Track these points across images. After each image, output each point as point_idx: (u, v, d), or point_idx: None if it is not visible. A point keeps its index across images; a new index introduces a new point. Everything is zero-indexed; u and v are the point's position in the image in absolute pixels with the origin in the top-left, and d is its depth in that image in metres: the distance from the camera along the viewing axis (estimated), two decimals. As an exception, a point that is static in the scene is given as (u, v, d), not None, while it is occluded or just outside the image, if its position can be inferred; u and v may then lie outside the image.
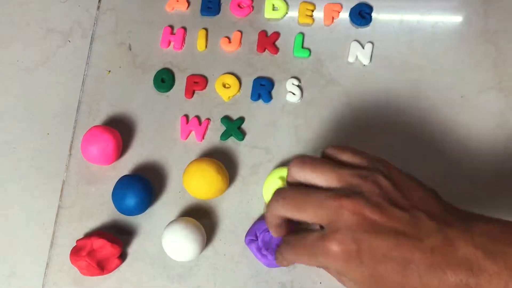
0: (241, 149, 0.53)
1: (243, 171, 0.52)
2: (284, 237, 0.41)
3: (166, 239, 0.47)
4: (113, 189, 0.50)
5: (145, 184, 0.49)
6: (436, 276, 0.33)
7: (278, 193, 0.39)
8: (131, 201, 0.48)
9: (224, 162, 0.51)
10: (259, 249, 0.47)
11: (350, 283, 0.37)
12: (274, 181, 0.48)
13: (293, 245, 0.39)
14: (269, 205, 0.39)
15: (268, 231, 0.47)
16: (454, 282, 0.33)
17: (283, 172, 0.49)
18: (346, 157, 0.39)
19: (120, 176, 0.50)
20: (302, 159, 0.39)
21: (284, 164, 0.52)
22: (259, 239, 0.47)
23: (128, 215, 0.50)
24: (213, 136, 0.53)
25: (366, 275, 0.35)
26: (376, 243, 0.34)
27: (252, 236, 0.48)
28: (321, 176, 0.38)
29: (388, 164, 0.38)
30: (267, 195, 0.49)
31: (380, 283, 0.35)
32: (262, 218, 0.49)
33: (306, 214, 0.37)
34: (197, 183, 0.49)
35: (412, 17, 0.56)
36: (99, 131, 0.51)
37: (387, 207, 0.35)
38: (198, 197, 0.51)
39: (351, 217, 0.35)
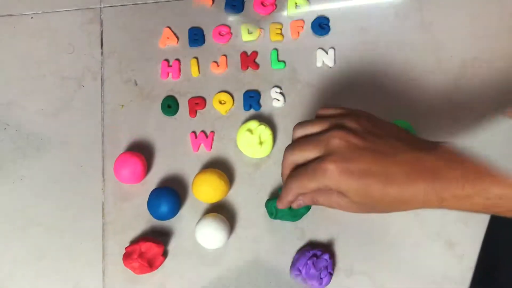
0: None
1: (248, 168, 0.64)
2: (288, 176, 0.51)
3: (199, 232, 0.58)
4: (148, 200, 0.61)
5: (173, 193, 0.61)
6: (411, 185, 0.43)
7: (288, 147, 0.50)
8: (164, 208, 0.60)
9: (233, 164, 0.63)
10: (305, 281, 0.57)
11: (344, 199, 0.47)
12: (244, 133, 0.61)
13: (297, 174, 0.49)
14: (284, 155, 0.51)
15: (308, 263, 0.57)
16: (423, 188, 0.43)
17: (249, 125, 0.62)
18: (331, 111, 0.50)
19: (151, 190, 0.61)
20: (302, 122, 0.51)
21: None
22: (303, 273, 0.57)
23: (163, 220, 0.61)
24: (219, 145, 0.65)
25: (355, 187, 0.45)
26: (361, 160, 0.45)
27: (296, 271, 0.58)
28: (315, 126, 0.49)
29: (366, 112, 0.50)
30: (241, 144, 0.62)
31: (368, 194, 0.45)
32: (301, 254, 0.59)
33: (308, 152, 0.48)
34: (204, 192, 0.60)
35: (363, 20, 0.68)
36: (128, 156, 0.61)
37: (366, 134, 0.46)
38: (207, 202, 0.62)
39: (339, 143, 0.46)
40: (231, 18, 0.69)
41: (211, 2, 0.69)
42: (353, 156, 0.45)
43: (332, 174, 0.45)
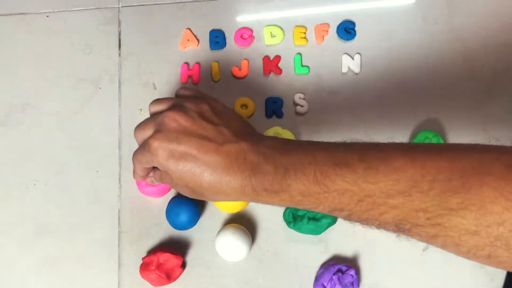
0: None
1: (270, 178, 0.61)
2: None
3: (219, 243, 0.56)
4: (167, 209, 0.58)
5: (193, 202, 0.58)
6: (228, 175, 0.44)
7: (137, 125, 0.51)
8: (184, 217, 0.57)
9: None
10: None
11: (173, 182, 0.47)
12: None
13: (136, 150, 0.50)
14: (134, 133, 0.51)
15: (333, 279, 0.54)
16: (241, 180, 0.44)
17: (272, 132, 0.60)
18: (186, 93, 0.53)
19: (170, 199, 0.59)
20: (156, 100, 0.51)
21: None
22: None
23: (181, 229, 0.59)
24: (240, 152, 0.63)
25: (175, 169, 0.45)
26: (185, 142, 0.45)
27: (320, 287, 0.55)
28: (162, 105, 0.50)
29: (218, 101, 0.52)
30: None
31: (187, 178, 0.45)
32: (325, 269, 0.56)
33: (147, 130, 0.48)
34: (225, 201, 0.57)
35: (390, 25, 0.66)
36: (147, 164, 0.59)
37: (199, 119, 0.46)
38: (227, 211, 0.60)
39: (168, 122, 0.46)
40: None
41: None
42: (178, 137, 0.45)
43: (156, 152, 0.46)
